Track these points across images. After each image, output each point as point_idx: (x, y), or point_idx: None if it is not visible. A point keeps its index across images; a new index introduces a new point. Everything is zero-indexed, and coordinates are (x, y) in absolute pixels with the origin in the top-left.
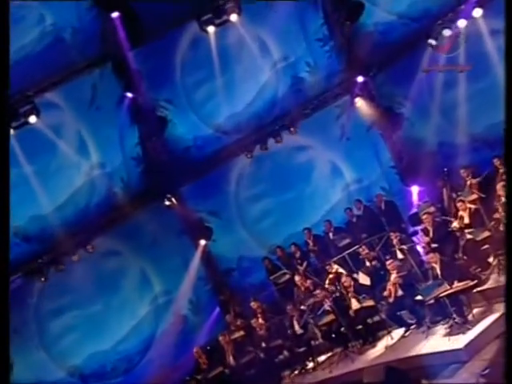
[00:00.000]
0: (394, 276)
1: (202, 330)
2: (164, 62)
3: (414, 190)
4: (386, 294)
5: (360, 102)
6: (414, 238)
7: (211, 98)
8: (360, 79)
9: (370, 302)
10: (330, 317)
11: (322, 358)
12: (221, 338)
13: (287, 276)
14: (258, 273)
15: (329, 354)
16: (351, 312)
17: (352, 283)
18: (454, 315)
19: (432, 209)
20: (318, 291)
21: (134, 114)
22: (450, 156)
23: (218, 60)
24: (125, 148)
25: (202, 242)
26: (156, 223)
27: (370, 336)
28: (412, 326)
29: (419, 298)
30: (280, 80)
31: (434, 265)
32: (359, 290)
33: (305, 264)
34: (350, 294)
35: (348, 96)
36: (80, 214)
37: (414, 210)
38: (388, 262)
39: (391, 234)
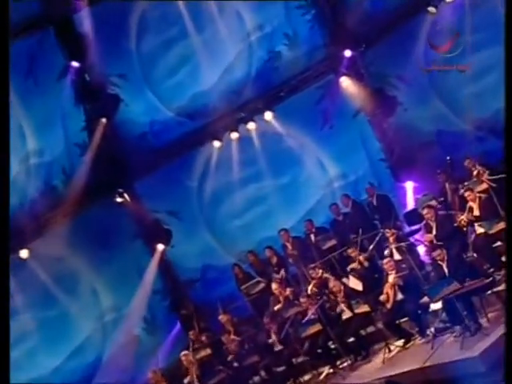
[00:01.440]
0: (392, 277)
1: (160, 350)
2: (117, 27)
3: (408, 186)
4: (382, 298)
5: (346, 83)
6: (413, 239)
7: (172, 74)
8: (347, 54)
9: (365, 308)
10: (316, 327)
11: (306, 378)
12: (183, 358)
13: (262, 285)
14: (226, 284)
15: (314, 373)
16: (341, 322)
17: (342, 288)
18: (466, 320)
19: (434, 202)
20: (301, 299)
21: (80, 90)
22: (450, 147)
23: (182, 27)
24: (68, 132)
25: (160, 248)
26: (104, 224)
27: (364, 350)
28: (413, 337)
29: (424, 300)
30: (253, 54)
31: (440, 263)
32: (350, 295)
33: (282, 271)
34: (339, 300)
35: (332, 75)
36: (12, 212)
37: (411, 207)
38: (385, 261)
39: (386, 230)
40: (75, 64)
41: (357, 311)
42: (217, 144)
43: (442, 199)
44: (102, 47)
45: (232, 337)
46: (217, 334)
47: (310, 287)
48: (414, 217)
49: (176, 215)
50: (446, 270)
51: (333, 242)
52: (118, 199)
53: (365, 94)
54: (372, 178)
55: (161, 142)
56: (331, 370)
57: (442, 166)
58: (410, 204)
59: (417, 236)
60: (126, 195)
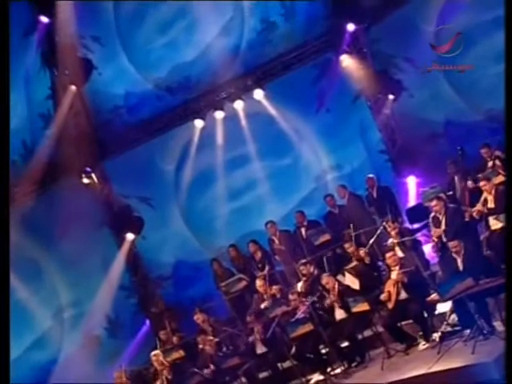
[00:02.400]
0: (395, 273)
1: (125, 351)
2: None
3: (410, 181)
4: (383, 297)
5: (346, 62)
6: (419, 234)
7: (153, 41)
8: (349, 29)
9: (364, 307)
10: (307, 327)
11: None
12: (153, 359)
13: (244, 283)
14: (201, 281)
15: (302, 380)
16: (334, 323)
17: (336, 285)
18: (479, 323)
19: (443, 194)
20: (290, 296)
21: (48, 51)
22: (459, 140)
23: None
24: (31, 100)
25: (129, 238)
26: (67, 208)
27: (359, 356)
28: (416, 342)
29: (431, 299)
30: (245, 24)
31: (455, 255)
32: (346, 294)
33: (267, 268)
34: (333, 299)
35: (331, 52)
36: None
37: (415, 203)
38: (388, 255)
39: (389, 224)
40: (44, 19)
41: (354, 310)
42: (199, 123)
43: (451, 193)
44: (76, 3)
45: (209, 337)
46: (191, 335)
47: (300, 284)
48: (417, 213)
49: (149, 202)
50: (460, 265)
51: (326, 237)
52: (85, 180)
53: (366, 76)
54: (370, 171)
55: (136, 117)
56: (321, 377)
57: (454, 155)
58: (412, 201)
59: (424, 231)
60: (93, 176)
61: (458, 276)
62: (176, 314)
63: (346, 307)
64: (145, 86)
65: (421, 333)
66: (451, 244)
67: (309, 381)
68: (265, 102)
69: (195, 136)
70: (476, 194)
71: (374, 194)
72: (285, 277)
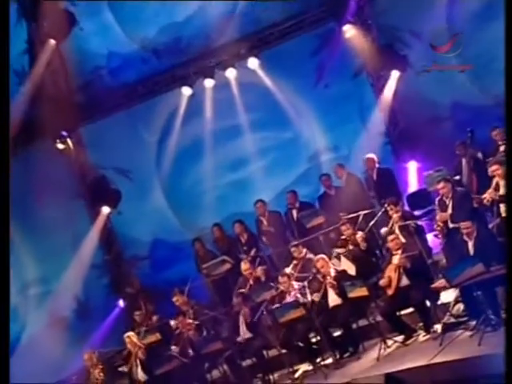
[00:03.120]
0: (397, 257)
1: (96, 333)
2: None
3: (412, 166)
4: (383, 283)
5: (349, 33)
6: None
7: None
8: None
9: (362, 292)
10: (299, 312)
11: (277, 375)
12: (127, 340)
13: (227, 265)
14: (180, 263)
15: (289, 370)
16: (327, 309)
17: (332, 269)
18: (487, 313)
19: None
20: (280, 279)
21: (27, 2)
22: (466, 124)
23: None
24: None
25: (104, 211)
26: (38, 174)
27: (352, 346)
28: (416, 333)
29: (436, 286)
30: None
31: (466, 238)
32: (343, 279)
33: (254, 250)
34: (328, 283)
35: (334, 22)
36: None
37: (417, 188)
38: (390, 238)
39: (391, 206)
40: None
41: (351, 295)
42: (186, 91)
43: (458, 177)
44: None
45: (188, 320)
46: (167, 318)
47: (289, 268)
48: (419, 199)
49: (127, 174)
50: (470, 249)
51: (320, 220)
52: (59, 145)
53: (370, 50)
54: (368, 154)
55: (118, 80)
56: (310, 368)
57: (453, 145)
58: (413, 187)
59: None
60: (68, 142)
61: (467, 261)
62: (152, 295)
63: (341, 293)
64: (130, 47)
65: (421, 323)
66: (463, 225)
67: (295, 371)
68: (259, 72)
69: (182, 105)
70: (484, 179)
71: (374, 176)
72: (272, 260)
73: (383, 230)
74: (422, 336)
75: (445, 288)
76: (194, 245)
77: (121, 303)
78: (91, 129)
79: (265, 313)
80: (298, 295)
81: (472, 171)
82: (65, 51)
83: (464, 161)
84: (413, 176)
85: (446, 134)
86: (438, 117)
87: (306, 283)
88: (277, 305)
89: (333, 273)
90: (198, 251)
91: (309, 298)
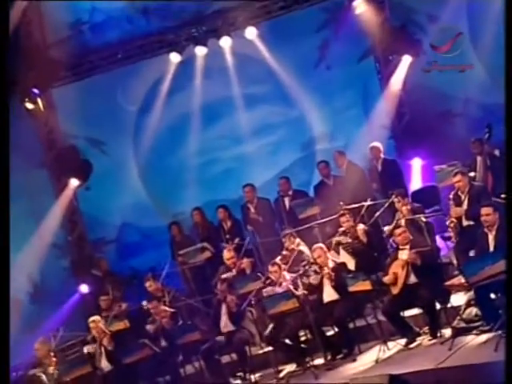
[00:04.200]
0: (406, 252)
1: (52, 319)
2: None
3: (416, 164)
4: (387, 279)
5: (361, 9)
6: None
7: None
8: None
9: (365, 286)
10: (291, 304)
11: (258, 375)
12: (92, 325)
13: (207, 253)
14: (150, 251)
15: (275, 369)
16: (322, 305)
17: (330, 261)
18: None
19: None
20: (270, 268)
21: None
22: (477, 123)
23: None
24: None
25: (72, 185)
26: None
27: (346, 347)
28: (420, 337)
29: (454, 281)
30: None
31: (486, 231)
32: (341, 272)
33: (237, 239)
34: (325, 275)
35: None
36: None
37: (422, 186)
38: (398, 231)
39: (398, 198)
40: None
41: (352, 289)
42: (175, 58)
43: (473, 174)
44: None
45: (162, 307)
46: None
47: (278, 259)
48: (425, 197)
49: (101, 147)
50: (491, 243)
51: (315, 210)
52: (29, 104)
53: (381, 30)
54: (367, 148)
55: (100, 38)
56: (297, 368)
57: (463, 143)
58: (416, 185)
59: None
60: (39, 102)
61: (487, 257)
62: (120, 281)
63: (338, 287)
64: (116, 3)
65: (426, 327)
66: (484, 210)
67: (280, 371)
68: (257, 43)
69: (169, 72)
70: (500, 177)
71: (379, 167)
72: (258, 252)
73: (389, 226)
74: (427, 340)
75: (458, 288)
76: (171, 229)
77: (83, 288)
78: (65, 90)
79: (253, 302)
80: (291, 286)
81: (488, 169)
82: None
83: (479, 158)
84: (416, 174)
85: (457, 131)
86: (448, 111)
87: (299, 274)
88: (268, 293)
89: (331, 264)
90: (174, 236)
91: (302, 290)
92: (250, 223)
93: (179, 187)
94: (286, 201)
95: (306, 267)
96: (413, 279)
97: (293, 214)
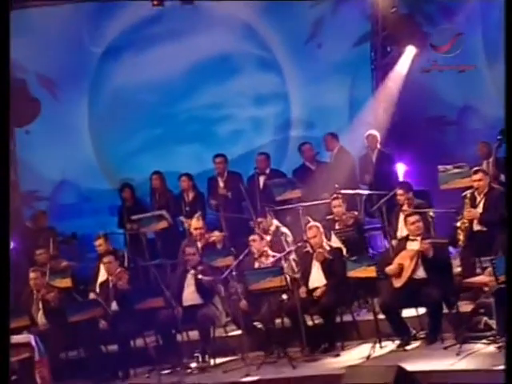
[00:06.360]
0: (416, 243)
1: None
2: None
3: (399, 169)
4: (391, 270)
5: None
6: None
7: None
8: None
9: (369, 272)
10: (278, 281)
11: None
12: (32, 276)
13: (164, 223)
14: (86, 217)
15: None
16: (308, 290)
17: (325, 243)
18: None
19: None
20: (251, 237)
21: None
22: (474, 133)
23: None
24: None
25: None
26: None
27: (328, 342)
28: (417, 341)
29: (481, 279)
30: None
31: None
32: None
33: (199, 213)
34: (318, 252)
35: None
36: None
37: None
38: (411, 219)
39: (400, 191)
40: None
41: (353, 274)
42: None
43: None
44: None
45: (118, 268)
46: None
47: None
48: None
49: (52, 88)
50: None
51: (296, 194)
52: None
53: (385, 15)
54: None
55: None
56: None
57: (454, 154)
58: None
59: None
60: None
61: None
62: (58, 239)
63: (332, 273)
64: None
65: (423, 332)
66: None
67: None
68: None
69: (144, 17)
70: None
71: (373, 158)
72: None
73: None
74: (424, 344)
75: (480, 285)
76: (123, 191)
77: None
78: (23, 15)
79: (234, 273)
80: (283, 262)
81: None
82: None
83: (485, 163)
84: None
85: (448, 139)
86: (442, 118)
87: (287, 252)
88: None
89: (327, 247)
90: (125, 199)
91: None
92: (215, 199)
93: (133, 150)
94: (261, 179)
95: (299, 245)
96: (421, 273)
97: (268, 195)
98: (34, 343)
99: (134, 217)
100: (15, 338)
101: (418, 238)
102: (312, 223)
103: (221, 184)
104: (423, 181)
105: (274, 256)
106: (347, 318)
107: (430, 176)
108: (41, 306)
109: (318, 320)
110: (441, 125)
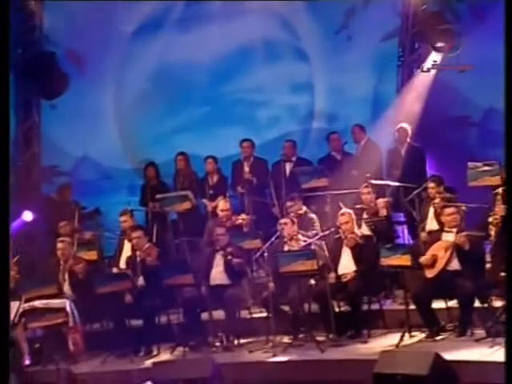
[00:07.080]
0: (451, 235)
1: None
2: None
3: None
4: (424, 260)
5: None
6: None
7: None
8: None
9: (404, 260)
10: (310, 265)
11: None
12: (59, 246)
13: (187, 204)
14: (105, 194)
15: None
16: (337, 276)
17: (356, 229)
18: None
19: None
20: (282, 220)
21: None
22: (493, 135)
23: None
24: None
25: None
26: None
27: (354, 328)
28: (446, 332)
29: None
30: None
31: None
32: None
33: (222, 198)
34: (349, 238)
35: None
36: None
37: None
38: (449, 211)
39: (431, 184)
40: None
41: (386, 262)
42: None
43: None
44: None
45: (147, 244)
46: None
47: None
48: None
49: (80, 64)
50: None
51: (322, 182)
52: None
53: (415, 12)
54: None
55: None
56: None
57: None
58: None
59: None
60: None
61: None
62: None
63: (360, 259)
64: None
65: (452, 324)
66: None
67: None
68: None
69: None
70: None
71: (402, 152)
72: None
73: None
74: (454, 336)
75: None
76: (146, 170)
77: (26, 215)
78: None
79: (266, 254)
80: (316, 244)
81: None
82: None
83: None
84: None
85: (468, 143)
86: (465, 119)
87: (320, 236)
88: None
89: (358, 233)
90: (149, 179)
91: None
92: (239, 184)
93: (160, 132)
94: (288, 166)
95: (332, 229)
96: (455, 265)
97: (294, 182)
98: (68, 309)
99: (159, 196)
100: (50, 303)
101: (454, 230)
102: (344, 209)
103: (246, 169)
104: (448, 178)
105: (305, 240)
106: (374, 306)
107: (455, 174)
108: (67, 276)
109: (343, 307)
110: (465, 125)
